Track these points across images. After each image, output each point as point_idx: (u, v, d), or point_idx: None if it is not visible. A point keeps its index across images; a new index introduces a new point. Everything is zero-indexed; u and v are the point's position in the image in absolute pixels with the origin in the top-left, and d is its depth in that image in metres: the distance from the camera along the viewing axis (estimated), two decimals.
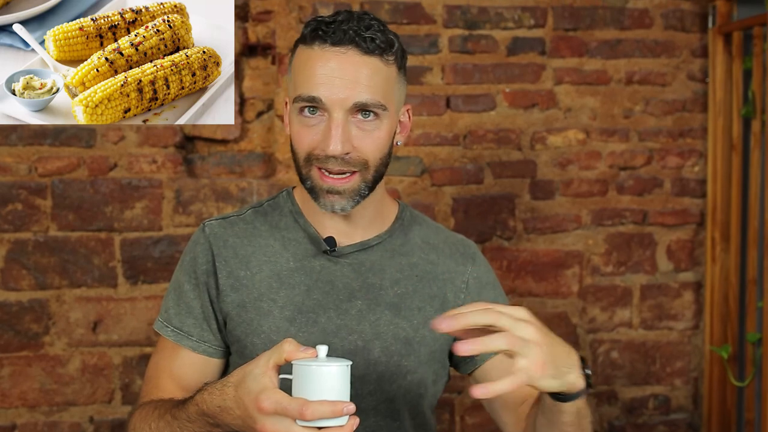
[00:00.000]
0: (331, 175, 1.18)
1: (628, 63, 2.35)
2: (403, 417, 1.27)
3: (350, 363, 1.00)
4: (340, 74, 1.14)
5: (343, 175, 1.18)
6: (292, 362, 0.99)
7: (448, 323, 0.96)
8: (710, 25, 2.32)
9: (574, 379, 1.01)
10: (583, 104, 2.33)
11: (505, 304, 1.32)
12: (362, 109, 1.16)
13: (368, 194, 1.22)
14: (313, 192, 1.21)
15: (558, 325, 2.31)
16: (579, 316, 2.34)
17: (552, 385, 0.98)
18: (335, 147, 1.14)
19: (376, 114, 1.17)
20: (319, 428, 0.96)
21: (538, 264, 2.32)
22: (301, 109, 1.17)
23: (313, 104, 1.16)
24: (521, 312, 0.98)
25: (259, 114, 2.22)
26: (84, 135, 2.12)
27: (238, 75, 2.20)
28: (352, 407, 0.97)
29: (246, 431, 1.01)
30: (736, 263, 2.29)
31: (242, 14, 2.20)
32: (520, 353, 0.94)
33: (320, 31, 1.16)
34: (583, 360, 1.04)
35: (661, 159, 2.37)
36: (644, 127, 2.36)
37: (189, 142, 2.20)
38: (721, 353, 2.20)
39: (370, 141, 1.17)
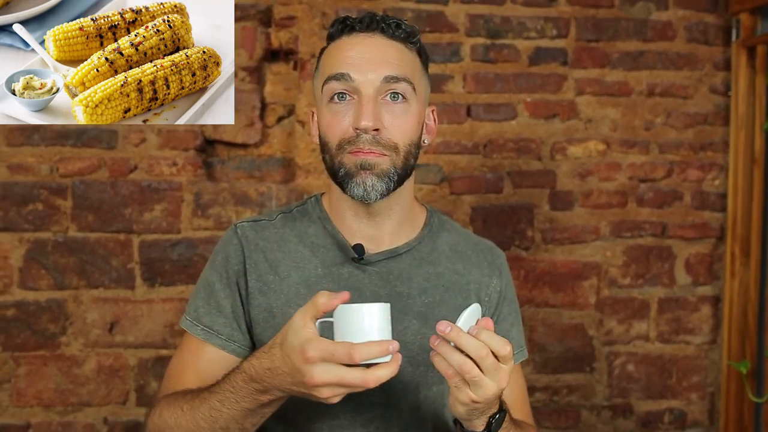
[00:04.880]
0: (363, 150, 1.19)
1: (650, 75, 2.34)
2: (426, 426, 1.27)
3: (389, 304, 1.02)
4: (369, 54, 1.20)
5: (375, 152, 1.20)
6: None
7: (446, 331, 1.01)
8: (734, 38, 2.31)
9: (477, 422, 1.08)
10: (604, 115, 2.32)
11: (516, 320, 1.37)
12: (392, 87, 1.18)
13: (397, 185, 1.22)
14: (346, 177, 1.21)
15: (574, 336, 2.30)
16: (596, 328, 2.32)
17: (460, 412, 1.07)
18: (367, 121, 1.17)
19: (404, 96, 1.20)
20: (367, 366, 0.97)
21: (555, 275, 2.31)
22: (331, 97, 1.20)
23: (343, 86, 1.19)
24: (506, 349, 1.02)
25: (280, 119, 2.22)
26: (105, 136, 2.13)
27: (260, 80, 2.21)
28: (397, 345, 0.98)
29: (297, 389, 1.00)
30: (756, 278, 2.27)
31: (265, 19, 2.20)
32: (472, 387, 1.02)
33: (347, 25, 1.23)
34: (502, 412, 1.09)
35: (681, 172, 2.36)
36: (665, 140, 2.35)
37: (209, 145, 2.20)
38: (740, 368, 2.18)
39: (399, 124, 1.20)
